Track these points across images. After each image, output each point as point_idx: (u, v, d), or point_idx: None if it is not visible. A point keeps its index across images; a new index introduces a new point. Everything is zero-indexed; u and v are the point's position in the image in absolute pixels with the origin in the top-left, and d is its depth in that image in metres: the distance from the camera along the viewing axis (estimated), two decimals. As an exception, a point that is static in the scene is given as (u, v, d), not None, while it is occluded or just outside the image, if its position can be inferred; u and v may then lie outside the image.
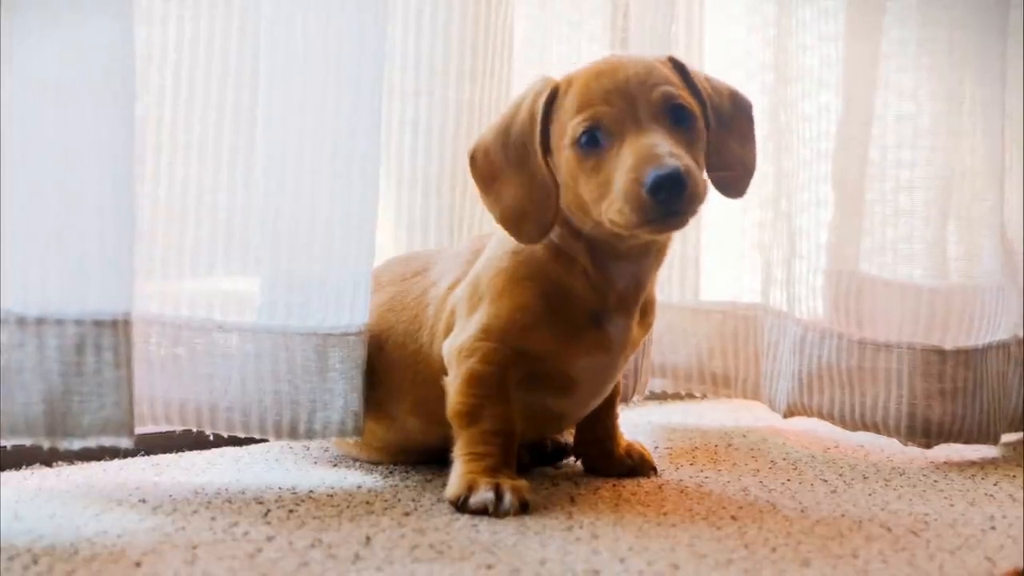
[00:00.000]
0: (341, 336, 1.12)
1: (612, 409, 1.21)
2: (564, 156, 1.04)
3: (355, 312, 1.13)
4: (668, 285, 1.57)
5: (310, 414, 1.12)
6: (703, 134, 1.05)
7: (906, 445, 1.37)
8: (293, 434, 1.12)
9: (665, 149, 0.98)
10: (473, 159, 1.09)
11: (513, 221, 1.06)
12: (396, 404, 1.16)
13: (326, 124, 1.11)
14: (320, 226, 1.11)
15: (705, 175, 1.06)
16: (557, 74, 1.08)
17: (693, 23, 1.56)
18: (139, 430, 1.22)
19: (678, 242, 1.57)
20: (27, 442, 0.96)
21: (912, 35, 1.42)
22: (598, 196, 1.01)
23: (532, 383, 1.09)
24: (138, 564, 0.85)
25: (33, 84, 0.95)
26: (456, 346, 1.08)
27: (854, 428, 1.40)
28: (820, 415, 1.42)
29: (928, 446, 1.36)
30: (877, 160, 1.43)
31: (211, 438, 1.22)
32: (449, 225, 1.36)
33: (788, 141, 1.47)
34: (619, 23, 1.46)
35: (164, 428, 1.19)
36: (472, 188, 1.35)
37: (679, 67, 1.08)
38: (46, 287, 0.95)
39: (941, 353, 1.36)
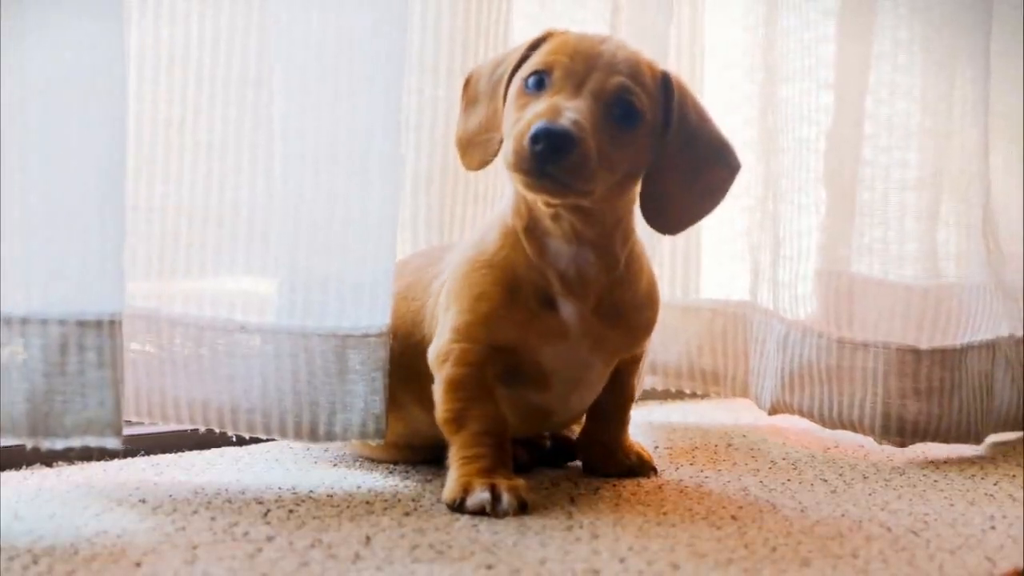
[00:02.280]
0: (361, 337, 1.12)
1: (623, 415, 1.21)
2: (512, 91, 1.06)
3: (375, 313, 1.12)
4: (660, 283, 1.56)
5: (330, 416, 1.12)
6: (641, 144, 1.05)
7: (880, 444, 1.38)
8: (313, 436, 1.12)
9: (571, 114, 0.98)
10: (467, 82, 1.13)
11: (463, 145, 1.11)
12: (404, 392, 1.16)
13: (342, 123, 1.10)
14: (338, 225, 1.11)
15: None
16: None
17: (684, 23, 1.55)
18: (142, 430, 1.24)
19: (672, 239, 1.57)
20: (10, 441, 0.96)
21: (904, 36, 1.42)
22: (510, 135, 1.02)
23: (511, 378, 1.10)
24: (138, 564, 0.85)
25: (22, 83, 0.94)
26: (434, 352, 1.09)
27: (832, 426, 1.40)
28: (801, 413, 1.42)
29: (903, 445, 1.37)
30: (865, 160, 1.43)
31: (215, 436, 1.22)
32: (439, 223, 1.36)
33: (780, 142, 1.47)
34: (620, 21, 1.46)
35: (176, 427, 1.19)
36: (463, 186, 1.36)
37: (666, 84, 1.07)
38: (31, 287, 0.95)
39: (916, 352, 1.36)
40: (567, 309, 1.08)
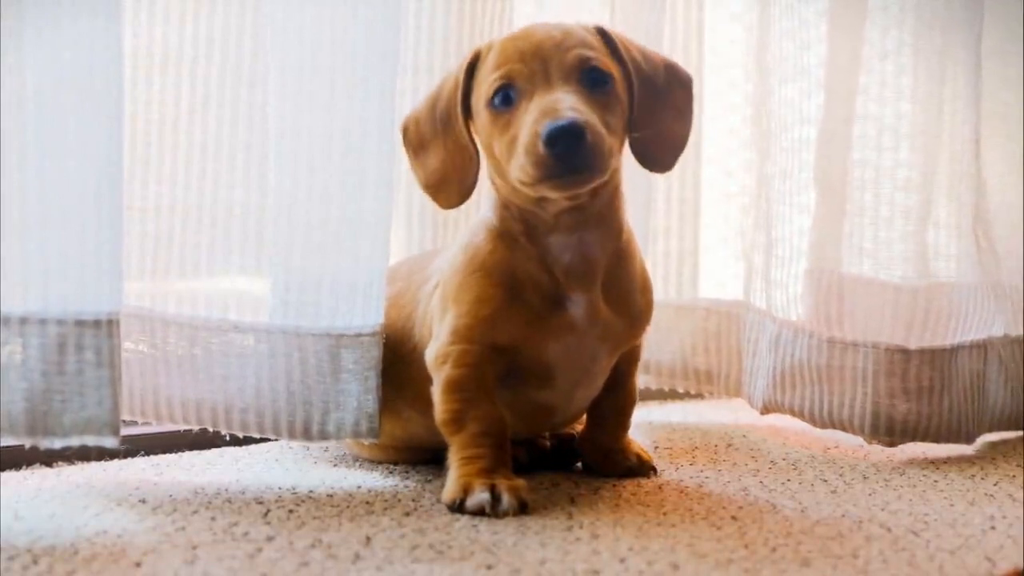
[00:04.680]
0: (354, 337, 1.12)
1: (624, 418, 1.21)
2: (481, 118, 1.05)
3: (368, 312, 1.12)
4: (656, 282, 1.56)
5: (323, 415, 1.12)
6: (621, 99, 1.06)
7: (870, 443, 1.38)
8: (307, 435, 1.12)
9: (567, 104, 0.98)
10: (405, 130, 1.11)
11: (434, 187, 1.10)
12: (399, 399, 1.16)
13: (336, 123, 1.11)
14: (332, 225, 1.11)
15: (627, 143, 1.08)
16: None
17: (679, 21, 1.55)
18: (142, 430, 1.24)
19: (665, 239, 1.57)
20: (10, 441, 0.97)
21: (895, 35, 1.42)
22: (508, 156, 1.02)
23: (512, 378, 1.10)
24: (138, 564, 0.85)
25: (20, 83, 0.95)
26: (432, 354, 1.09)
27: (823, 426, 1.40)
28: (792, 412, 1.42)
29: (892, 444, 1.36)
30: (856, 160, 1.42)
31: (214, 436, 1.22)
32: (434, 223, 1.36)
33: (780, 142, 1.46)
34: (616, 21, 1.46)
35: (175, 427, 1.19)
36: None
37: (604, 35, 1.08)
38: (29, 287, 0.95)
39: (905, 352, 1.36)
40: (575, 302, 1.08)
